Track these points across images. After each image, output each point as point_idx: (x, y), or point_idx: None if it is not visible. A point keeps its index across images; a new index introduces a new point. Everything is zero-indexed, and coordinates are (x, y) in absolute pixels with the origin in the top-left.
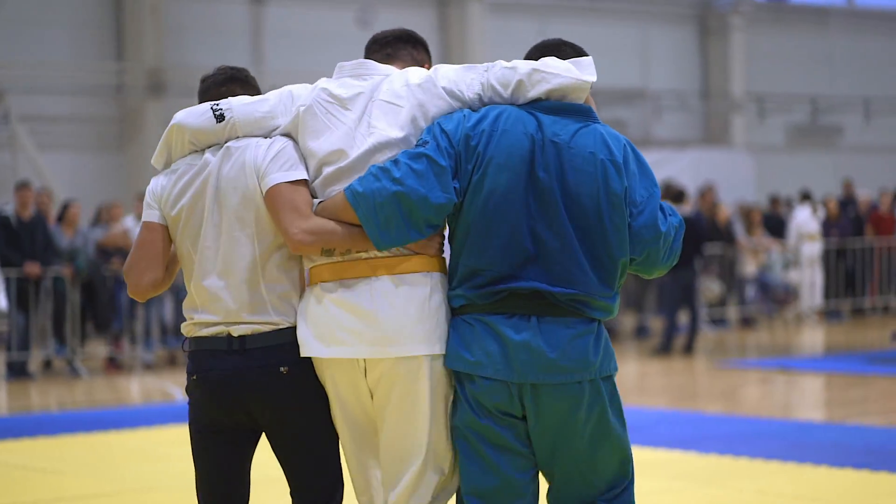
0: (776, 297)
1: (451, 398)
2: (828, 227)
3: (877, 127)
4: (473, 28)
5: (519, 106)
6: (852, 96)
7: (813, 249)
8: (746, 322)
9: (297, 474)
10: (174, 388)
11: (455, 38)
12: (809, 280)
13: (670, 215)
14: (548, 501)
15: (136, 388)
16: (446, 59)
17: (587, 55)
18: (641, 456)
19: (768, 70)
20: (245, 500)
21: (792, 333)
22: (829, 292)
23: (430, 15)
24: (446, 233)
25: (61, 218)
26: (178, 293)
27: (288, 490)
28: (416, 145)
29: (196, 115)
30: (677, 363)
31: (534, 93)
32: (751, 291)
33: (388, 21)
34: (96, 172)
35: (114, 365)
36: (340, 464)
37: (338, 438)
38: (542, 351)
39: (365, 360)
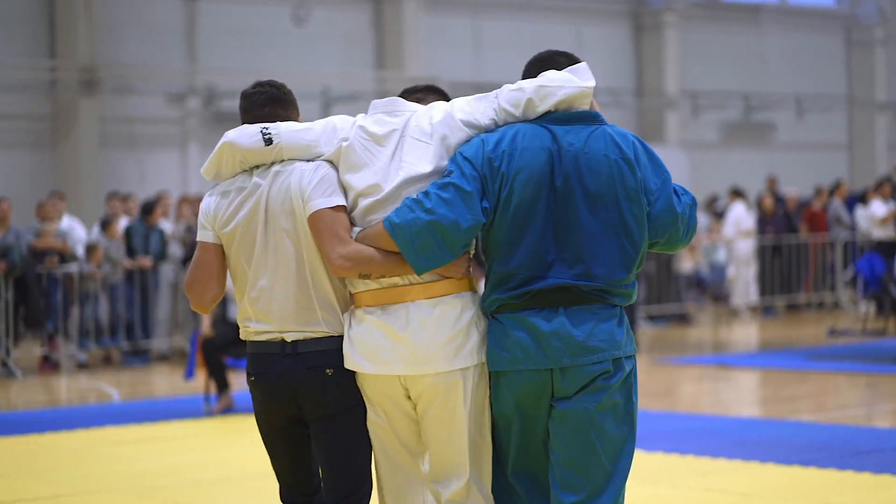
0: (713, 293)
1: (487, 402)
2: (763, 223)
3: (808, 124)
4: (408, 25)
5: (532, 122)
6: (784, 94)
7: (748, 245)
8: (682, 318)
9: (331, 465)
10: (110, 388)
11: (390, 36)
12: (744, 276)
13: (683, 195)
14: (554, 493)
15: (71, 389)
16: (381, 57)
17: (581, 61)
18: None
19: (702, 67)
20: (313, 473)
21: (728, 330)
22: (764, 288)
23: (366, 12)
24: (472, 253)
25: None
26: (113, 290)
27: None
28: (443, 176)
29: (246, 136)
30: None
31: (543, 107)
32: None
33: (324, 18)
34: (29, 170)
35: (49, 364)
36: (370, 462)
37: (367, 442)
38: (571, 336)
39: (405, 377)
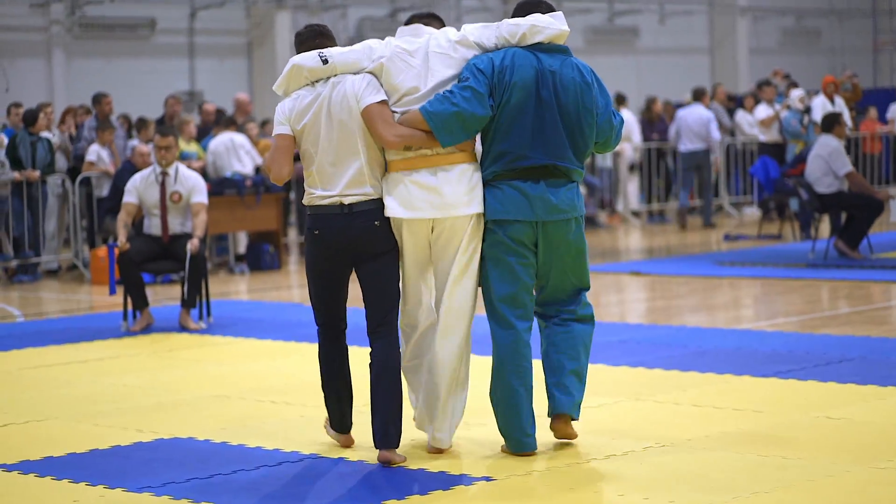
0: (602, 201)
1: (480, 242)
2: (649, 129)
3: (671, 28)
4: None
5: (523, 48)
6: None
7: (631, 151)
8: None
9: (374, 293)
10: (9, 307)
11: None
12: (627, 182)
13: (616, 115)
14: (537, 304)
15: None
16: None
17: (557, 10)
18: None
19: None
20: (344, 309)
21: (624, 236)
22: (650, 194)
23: None
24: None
25: None
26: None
27: None
28: (461, 80)
29: (308, 59)
30: None
31: (532, 40)
32: None
33: None
34: None
35: None
36: (399, 291)
37: (399, 274)
38: (550, 200)
39: (433, 220)
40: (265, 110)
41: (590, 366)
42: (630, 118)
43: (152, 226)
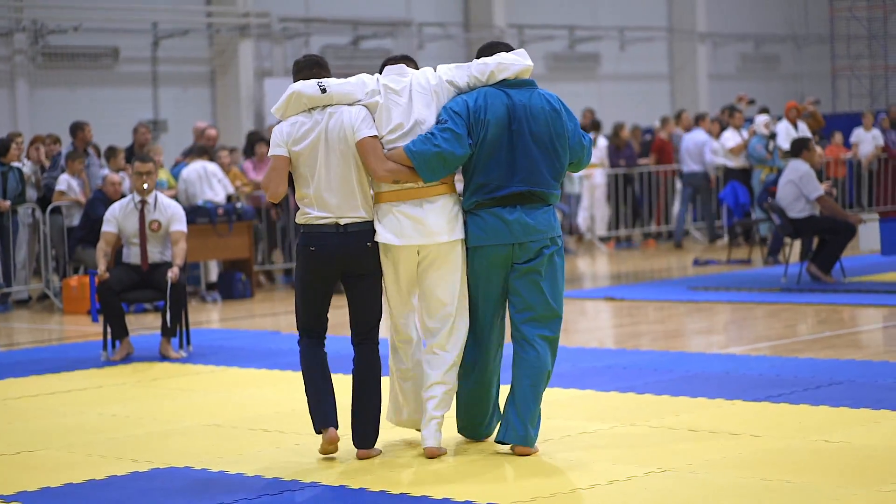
0: (570, 227)
1: (464, 266)
2: (616, 155)
3: (631, 55)
4: None
5: (492, 86)
6: (608, 26)
7: (596, 177)
8: None
9: (361, 308)
10: None
11: None
12: (594, 208)
13: (584, 136)
14: (515, 328)
15: None
16: None
17: (513, 49)
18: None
19: (529, 0)
20: (326, 317)
21: (593, 261)
22: (618, 220)
23: None
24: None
25: None
26: None
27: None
28: (440, 122)
29: (308, 87)
30: None
31: (500, 77)
32: None
33: None
34: None
35: None
36: (382, 307)
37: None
38: (527, 222)
39: (420, 246)
40: (229, 138)
41: (580, 392)
42: (603, 144)
43: (131, 255)
